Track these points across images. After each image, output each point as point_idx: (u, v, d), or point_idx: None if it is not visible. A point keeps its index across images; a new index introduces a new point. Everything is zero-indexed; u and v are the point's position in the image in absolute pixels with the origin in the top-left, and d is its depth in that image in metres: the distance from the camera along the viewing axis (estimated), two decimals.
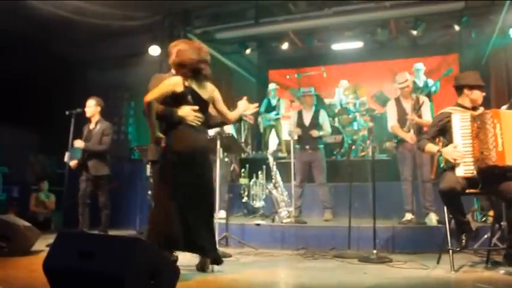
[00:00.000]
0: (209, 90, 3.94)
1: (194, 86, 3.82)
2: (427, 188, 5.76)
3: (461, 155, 3.89)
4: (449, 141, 4.06)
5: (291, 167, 6.44)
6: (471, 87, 4.13)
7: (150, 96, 3.66)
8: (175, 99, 3.78)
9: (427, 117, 5.77)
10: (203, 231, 3.75)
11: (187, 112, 3.78)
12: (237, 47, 9.78)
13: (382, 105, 8.73)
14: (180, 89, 3.76)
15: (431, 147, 4.18)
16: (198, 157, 3.80)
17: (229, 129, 6.54)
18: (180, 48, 3.84)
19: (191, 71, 3.79)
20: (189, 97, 3.80)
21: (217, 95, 4.01)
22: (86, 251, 2.51)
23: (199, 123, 3.83)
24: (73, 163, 5.98)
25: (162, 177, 3.85)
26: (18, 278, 3.66)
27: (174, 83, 3.77)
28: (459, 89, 4.21)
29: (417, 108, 5.77)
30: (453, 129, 4.00)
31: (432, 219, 5.62)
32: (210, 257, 3.81)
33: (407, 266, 4.29)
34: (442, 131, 4.19)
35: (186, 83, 3.78)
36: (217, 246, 4.03)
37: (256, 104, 4.39)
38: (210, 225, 3.88)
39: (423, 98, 5.95)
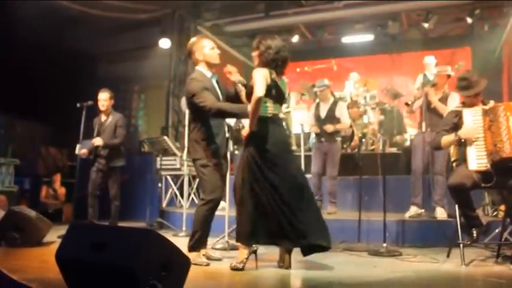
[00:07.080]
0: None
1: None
2: (437, 181, 5.56)
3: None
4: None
5: (301, 160, 6.42)
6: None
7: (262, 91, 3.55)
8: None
9: (449, 107, 5.62)
10: None
11: None
12: (247, 40, 9.77)
13: (393, 98, 8.68)
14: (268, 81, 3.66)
15: (447, 137, 4.11)
16: None
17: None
18: None
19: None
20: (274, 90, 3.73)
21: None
22: (98, 242, 2.53)
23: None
24: (83, 151, 5.99)
25: None
26: (31, 268, 3.70)
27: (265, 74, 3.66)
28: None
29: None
30: (465, 124, 4.02)
31: (438, 214, 5.49)
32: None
33: (417, 259, 4.28)
34: (455, 128, 4.12)
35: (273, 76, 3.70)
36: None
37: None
38: None
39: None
